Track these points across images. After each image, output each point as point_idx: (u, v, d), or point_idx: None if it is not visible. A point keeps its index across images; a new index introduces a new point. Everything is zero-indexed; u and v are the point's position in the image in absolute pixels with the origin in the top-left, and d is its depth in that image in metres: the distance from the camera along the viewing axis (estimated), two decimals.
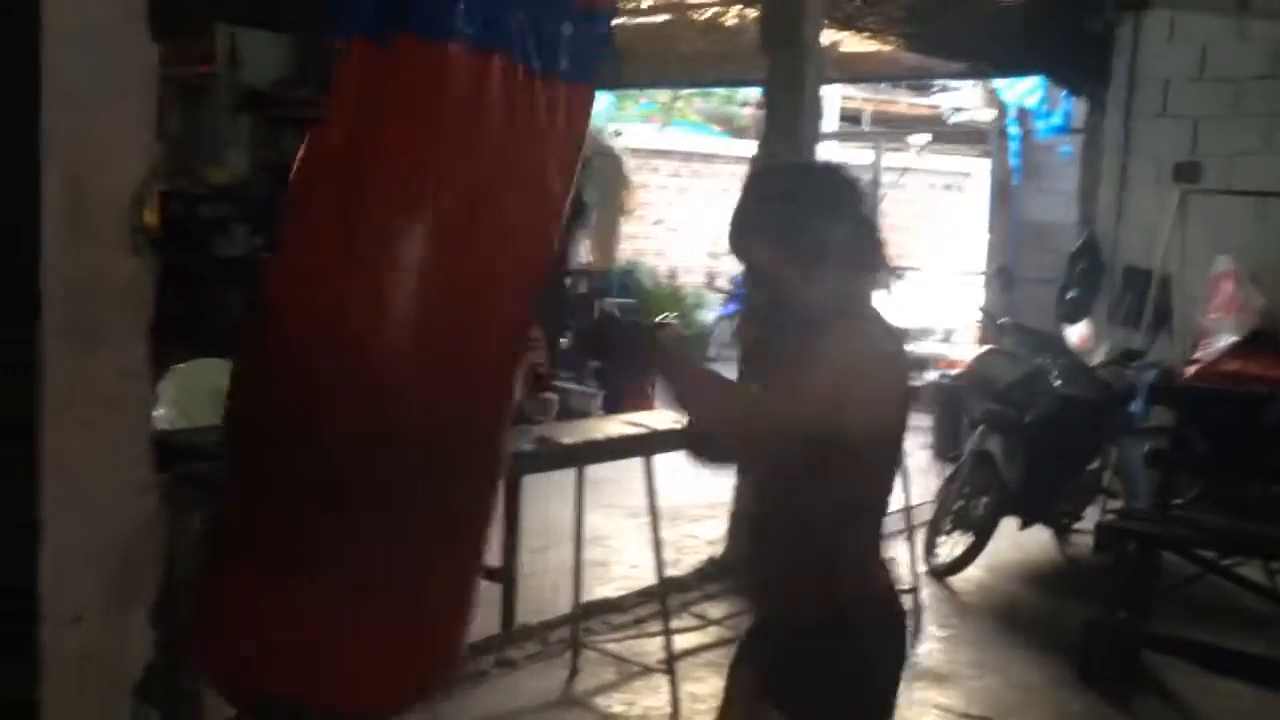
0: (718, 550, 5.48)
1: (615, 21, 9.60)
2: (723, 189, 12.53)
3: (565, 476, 4.22)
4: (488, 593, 4.49)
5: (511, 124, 1.64)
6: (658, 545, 4.14)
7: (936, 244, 14.45)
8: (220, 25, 6.60)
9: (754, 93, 9.14)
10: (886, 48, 8.83)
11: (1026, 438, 5.48)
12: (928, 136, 12.30)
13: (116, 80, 2.19)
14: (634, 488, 4.16)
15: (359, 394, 1.56)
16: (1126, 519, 4.95)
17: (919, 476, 5.99)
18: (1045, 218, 9.47)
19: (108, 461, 2.07)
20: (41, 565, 2.11)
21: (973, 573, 5.52)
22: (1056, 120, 9.21)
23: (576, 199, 8.79)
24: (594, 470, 4.34)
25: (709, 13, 9.21)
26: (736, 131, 14.53)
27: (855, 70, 9.72)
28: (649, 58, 10.15)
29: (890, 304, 2.03)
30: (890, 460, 2.04)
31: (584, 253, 9.18)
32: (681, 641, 4.37)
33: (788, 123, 5.35)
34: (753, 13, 6.45)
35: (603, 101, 13.06)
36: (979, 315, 8.61)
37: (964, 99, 12.00)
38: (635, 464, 4.16)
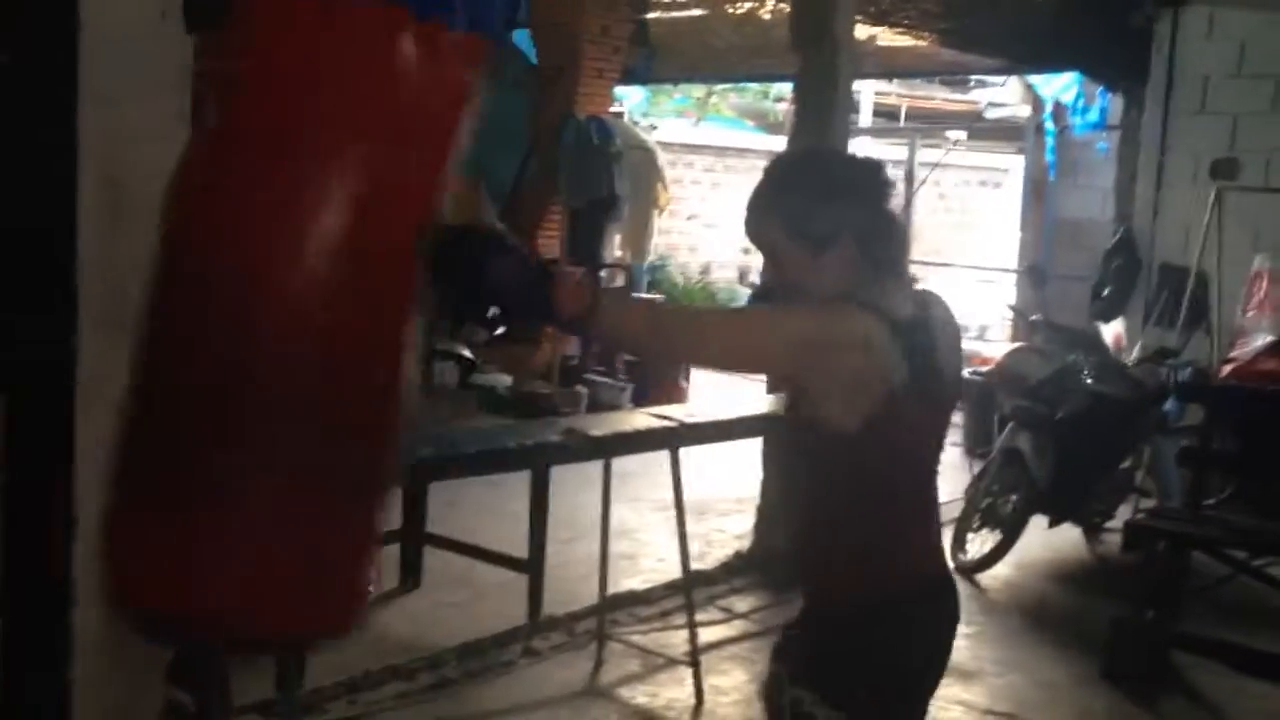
0: (745, 544, 5.49)
1: (650, 15, 9.54)
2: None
3: (594, 469, 4.26)
4: (515, 583, 4.58)
5: (391, 69, 1.63)
6: (683, 538, 4.16)
7: (972, 241, 14.38)
8: None
9: (788, 88, 9.12)
10: (922, 43, 8.81)
11: (1056, 435, 5.46)
12: (963, 133, 12.22)
13: (152, 77, 2.24)
14: (662, 481, 4.18)
15: (253, 331, 1.60)
16: (1156, 518, 4.92)
17: (949, 473, 5.95)
18: (1081, 214, 9.40)
19: None
20: (75, 550, 2.17)
21: (1001, 570, 5.51)
22: (1093, 116, 9.15)
23: (610, 193, 8.78)
24: (623, 463, 4.37)
25: (745, 7, 9.23)
26: (771, 127, 14.51)
27: (891, 65, 9.71)
28: (684, 53, 10.19)
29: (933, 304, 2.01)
30: (910, 449, 1.98)
31: (616, 247, 9.20)
32: (706, 635, 4.40)
33: (819, 119, 5.35)
34: (787, 7, 6.45)
35: (637, 96, 13.11)
36: (1010, 313, 8.57)
37: (1002, 95, 11.93)
38: (664, 457, 4.18)
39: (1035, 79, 9.63)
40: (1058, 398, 5.54)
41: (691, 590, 4.31)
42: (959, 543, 5.53)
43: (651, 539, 5.65)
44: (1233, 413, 5.28)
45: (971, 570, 5.44)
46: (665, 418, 4.46)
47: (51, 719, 2.19)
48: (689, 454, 4.20)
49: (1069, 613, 5.21)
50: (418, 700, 3.83)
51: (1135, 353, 6.73)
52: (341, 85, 1.62)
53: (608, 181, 8.68)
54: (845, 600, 1.97)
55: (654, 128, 12.79)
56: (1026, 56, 8.59)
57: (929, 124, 13.98)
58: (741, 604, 4.95)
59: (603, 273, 8.73)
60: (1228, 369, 6.25)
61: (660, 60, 10.25)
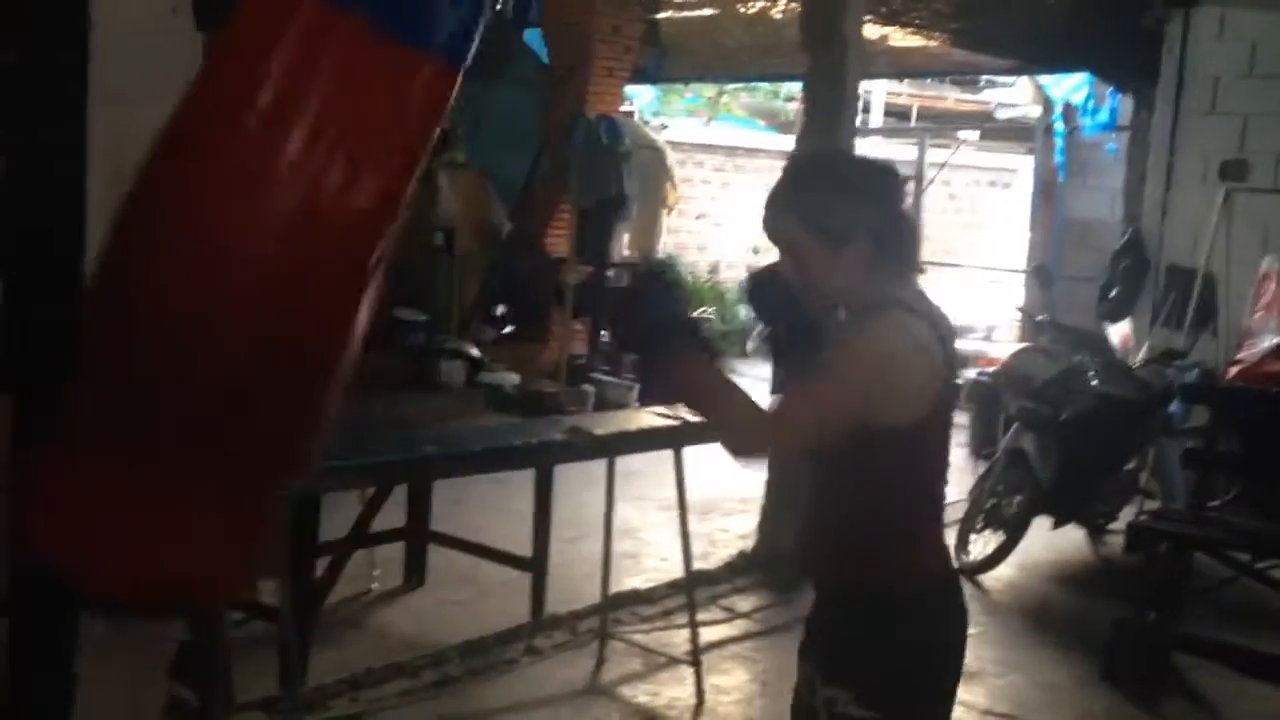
0: (749, 544, 5.51)
1: (662, 15, 9.49)
2: (766, 184, 12.50)
3: (600, 467, 4.27)
4: (519, 581, 4.61)
5: (347, 85, 1.67)
6: (685, 537, 4.18)
7: (982, 241, 14.35)
8: None
9: (799, 87, 9.14)
10: (933, 43, 8.81)
11: (1061, 436, 5.46)
12: (974, 133, 12.21)
13: (162, 75, 2.27)
14: (667, 480, 4.20)
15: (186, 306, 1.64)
16: (1158, 519, 4.93)
17: (955, 474, 5.98)
18: (1090, 215, 9.39)
19: None
20: None
21: (1004, 571, 5.52)
22: (1103, 117, 9.15)
23: (619, 192, 8.75)
24: (628, 462, 4.39)
25: (756, 6, 9.24)
26: (782, 126, 14.51)
27: (902, 65, 9.71)
28: (695, 52, 10.20)
29: (929, 296, 2.05)
30: (938, 447, 2.05)
31: (624, 246, 9.22)
32: (708, 634, 4.42)
33: (827, 118, 5.36)
34: (798, 6, 6.46)
35: (649, 95, 13.13)
36: (1017, 313, 8.56)
37: (1013, 95, 11.92)
38: (669, 456, 4.20)
39: (1045, 80, 9.62)
40: (1063, 399, 5.54)
41: (694, 589, 4.33)
42: (963, 543, 5.54)
43: (655, 538, 5.67)
44: (1237, 415, 5.27)
45: (975, 571, 5.44)
46: (670, 416, 4.48)
47: (57, 718, 2.22)
48: (696, 453, 4.20)
49: (1071, 614, 5.22)
50: (420, 698, 3.86)
51: (1142, 354, 6.73)
52: (296, 80, 1.65)
53: (617, 181, 8.70)
54: (871, 594, 2.00)
55: (665, 126, 12.80)
56: (1038, 57, 8.59)
57: (940, 124, 13.96)
58: (744, 603, 4.97)
59: (610, 272, 8.75)
60: (1234, 370, 6.24)
61: (672, 59, 10.27)
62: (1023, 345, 6.43)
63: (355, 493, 4.25)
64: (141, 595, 1.77)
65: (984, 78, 12.21)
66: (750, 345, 10.30)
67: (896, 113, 14.82)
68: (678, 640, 4.35)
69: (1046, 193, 9.94)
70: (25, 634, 2.18)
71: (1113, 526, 6.07)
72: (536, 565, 4.59)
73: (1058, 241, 9.63)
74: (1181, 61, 7.48)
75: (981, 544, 5.56)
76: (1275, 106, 7.10)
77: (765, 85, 14.26)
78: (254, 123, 1.66)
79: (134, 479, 1.67)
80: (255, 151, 1.66)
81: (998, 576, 5.50)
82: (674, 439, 4.28)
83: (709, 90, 14.07)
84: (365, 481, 4.03)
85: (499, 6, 8.66)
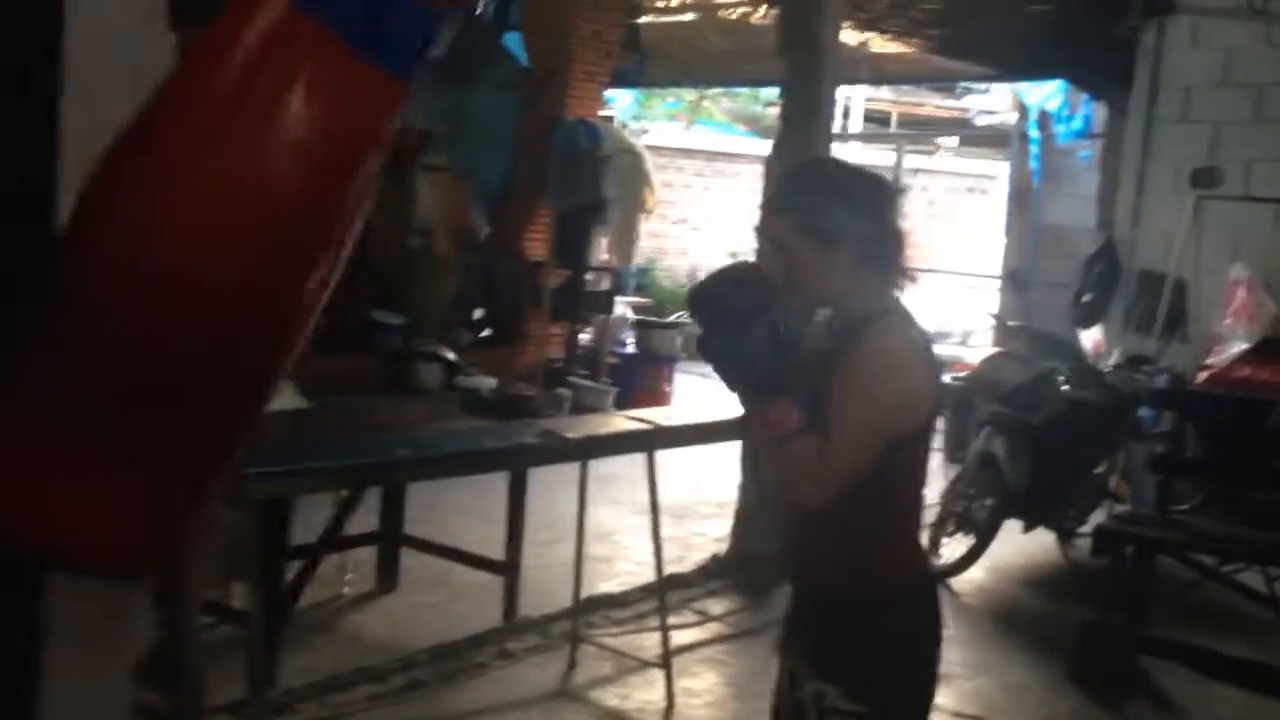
0: (722, 548, 5.54)
1: (642, 20, 9.51)
2: (746, 188, 12.57)
3: (575, 471, 4.29)
4: (492, 585, 4.63)
5: (298, 91, 1.72)
6: (657, 540, 4.21)
7: (958, 247, 14.44)
8: None
9: (778, 93, 9.19)
10: (912, 50, 8.87)
11: (1032, 440, 5.51)
12: (952, 139, 12.29)
13: (135, 73, 2.28)
14: (643, 484, 4.22)
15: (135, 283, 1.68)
16: (1125, 522, 4.98)
17: (930, 479, 6.03)
18: (1064, 222, 9.46)
19: None
20: None
21: (974, 574, 5.57)
22: (1077, 124, 9.21)
23: (597, 196, 8.80)
24: (606, 466, 4.41)
25: (737, 12, 9.28)
26: (762, 131, 14.55)
27: (881, 72, 9.76)
28: (675, 57, 10.24)
29: (911, 305, 2.09)
30: (925, 448, 2.10)
31: (602, 250, 9.25)
32: (680, 637, 4.45)
33: (804, 123, 5.41)
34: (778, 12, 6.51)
35: (628, 99, 13.16)
36: (991, 319, 8.63)
37: (992, 102, 12.00)
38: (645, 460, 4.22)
39: (1020, 86, 9.69)
40: (1034, 403, 5.59)
41: (666, 593, 4.35)
42: (933, 546, 5.57)
43: (630, 542, 5.70)
44: (1204, 419, 5.33)
45: (945, 574, 5.49)
46: (642, 420, 4.50)
47: (20, 711, 2.22)
48: (673, 458, 4.23)
49: (1040, 616, 5.27)
50: (390, 702, 3.86)
51: (1113, 359, 6.79)
52: (248, 74, 1.68)
53: (595, 185, 8.72)
54: (861, 592, 2.04)
55: (645, 131, 12.84)
56: (1015, 64, 8.66)
57: (919, 130, 14.04)
58: (716, 607, 5.00)
59: (588, 276, 8.77)
60: (1204, 376, 6.32)
61: (652, 64, 10.30)
62: (994, 350, 6.48)
63: (328, 496, 4.26)
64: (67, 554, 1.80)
65: (963, 84, 12.28)
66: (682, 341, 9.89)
67: (877, 118, 14.89)
68: (649, 643, 4.38)
69: (1021, 199, 10.01)
70: None
71: (1082, 530, 6.12)
72: (509, 569, 4.61)
73: (1033, 247, 9.69)
74: (1155, 70, 7.56)
75: (952, 547, 5.61)
76: (1246, 115, 7.18)
77: (745, 90, 14.30)
78: (205, 113, 1.70)
79: (60, 440, 1.71)
80: (203, 138, 1.70)
81: (968, 579, 5.55)
82: (646, 442, 4.31)
83: (689, 95, 14.11)
84: (338, 484, 4.05)
85: (479, 10, 8.68)
